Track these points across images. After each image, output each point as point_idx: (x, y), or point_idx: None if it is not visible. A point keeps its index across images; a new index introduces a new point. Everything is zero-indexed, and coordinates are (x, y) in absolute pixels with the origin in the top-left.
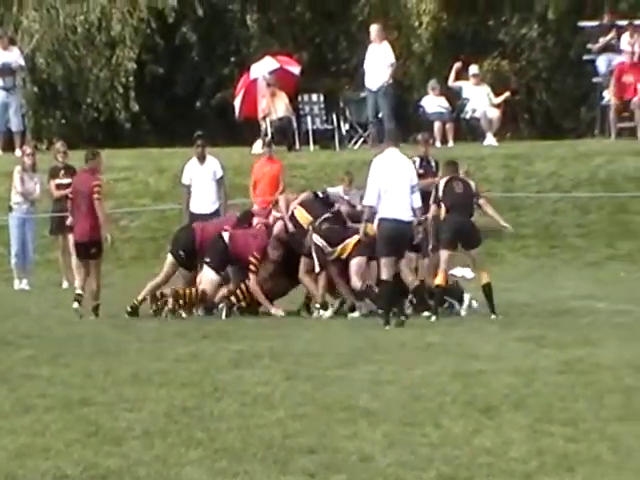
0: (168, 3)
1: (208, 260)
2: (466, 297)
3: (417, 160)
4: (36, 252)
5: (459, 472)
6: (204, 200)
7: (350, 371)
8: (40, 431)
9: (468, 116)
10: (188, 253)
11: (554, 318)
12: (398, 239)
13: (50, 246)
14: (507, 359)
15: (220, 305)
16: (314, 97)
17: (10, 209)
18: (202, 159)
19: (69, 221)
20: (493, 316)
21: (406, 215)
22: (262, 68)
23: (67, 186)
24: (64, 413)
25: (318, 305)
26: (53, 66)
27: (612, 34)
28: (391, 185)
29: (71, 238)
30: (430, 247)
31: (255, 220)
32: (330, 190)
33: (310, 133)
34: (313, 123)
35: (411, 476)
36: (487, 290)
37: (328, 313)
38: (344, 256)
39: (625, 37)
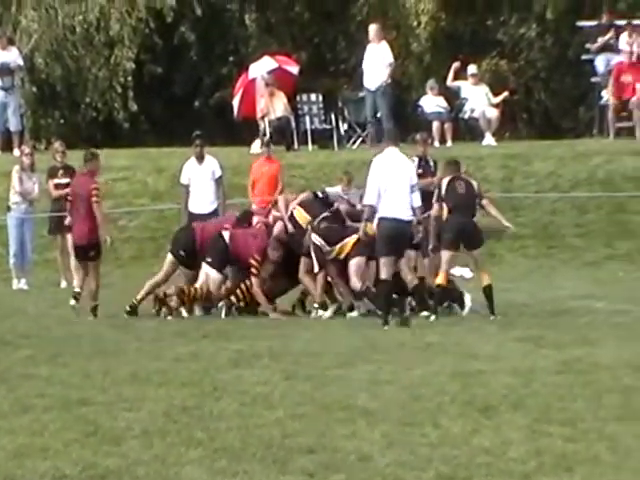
0: (167, 3)
1: (210, 260)
2: (467, 299)
3: (416, 160)
4: (34, 252)
5: (458, 472)
6: (203, 200)
7: (349, 371)
8: (39, 431)
9: (467, 116)
10: (189, 253)
11: (553, 318)
12: (398, 238)
13: (48, 246)
14: (506, 359)
15: (220, 304)
16: (313, 97)
17: (8, 209)
18: (201, 159)
19: (67, 221)
20: (492, 317)
21: (406, 214)
22: (261, 68)
23: (66, 186)
24: (63, 413)
25: (317, 305)
26: (52, 66)
27: (610, 34)
28: (391, 184)
29: (70, 238)
30: (431, 247)
31: (255, 219)
32: (329, 190)
33: (309, 133)
34: (312, 123)
35: (410, 476)
36: (488, 292)
37: (328, 313)
38: (342, 256)
39: (624, 37)
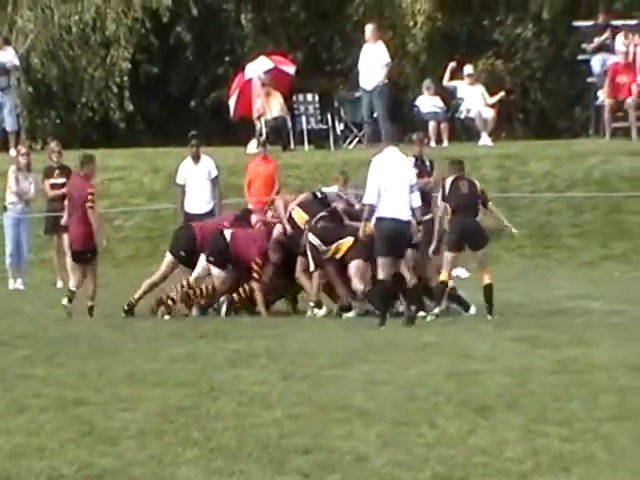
0: (162, 3)
1: (211, 259)
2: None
3: (412, 160)
4: (31, 252)
5: (454, 472)
6: (199, 200)
7: (345, 371)
8: (35, 431)
9: (463, 116)
10: (189, 252)
11: (549, 318)
12: (396, 238)
13: (45, 246)
14: (502, 359)
15: (222, 298)
16: (309, 97)
17: (4, 209)
18: (197, 159)
19: (64, 220)
20: (489, 317)
21: (405, 214)
22: (257, 68)
23: (62, 186)
24: (59, 413)
25: (312, 304)
26: (48, 66)
27: (607, 34)
28: (390, 184)
29: (66, 238)
30: (432, 249)
31: (253, 218)
32: (325, 190)
33: (305, 133)
34: (308, 123)
35: (406, 476)
36: (487, 291)
37: (322, 312)
38: (338, 256)
39: (619, 38)
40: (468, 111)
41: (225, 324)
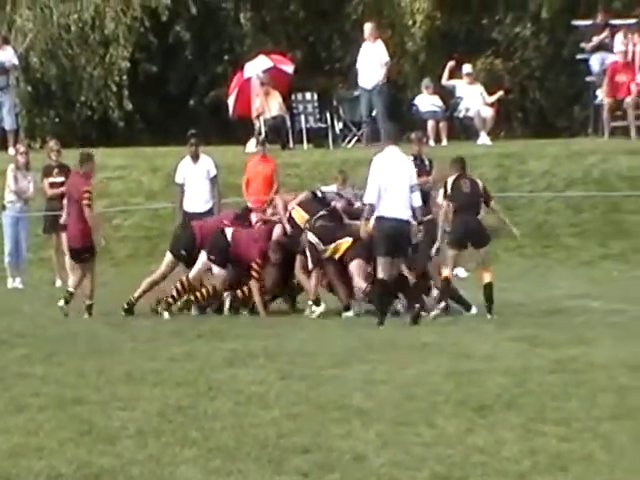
0: (161, 2)
1: (212, 258)
2: (474, 310)
3: (411, 159)
4: (29, 251)
5: (453, 471)
6: (198, 199)
7: (344, 370)
8: (34, 430)
9: (461, 115)
10: (190, 252)
11: (548, 317)
12: (396, 238)
13: (43, 245)
14: (500, 359)
15: (225, 294)
16: (308, 96)
17: (3, 208)
18: (195, 158)
19: (63, 219)
20: (489, 316)
21: (405, 214)
22: (256, 67)
23: (60, 185)
24: (58, 412)
25: (310, 302)
26: (47, 65)
27: (605, 33)
28: (391, 184)
29: (65, 237)
30: (435, 248)
31: (253, 217)
32: (324, 189)
33: (304, 132)
34: (307, 122)
35: (405, 476)
36: (488, 290)
37: (320, 309)
38: (337, 256)
39: (619, 37)
40: (467, 110)
41: (222, 323)
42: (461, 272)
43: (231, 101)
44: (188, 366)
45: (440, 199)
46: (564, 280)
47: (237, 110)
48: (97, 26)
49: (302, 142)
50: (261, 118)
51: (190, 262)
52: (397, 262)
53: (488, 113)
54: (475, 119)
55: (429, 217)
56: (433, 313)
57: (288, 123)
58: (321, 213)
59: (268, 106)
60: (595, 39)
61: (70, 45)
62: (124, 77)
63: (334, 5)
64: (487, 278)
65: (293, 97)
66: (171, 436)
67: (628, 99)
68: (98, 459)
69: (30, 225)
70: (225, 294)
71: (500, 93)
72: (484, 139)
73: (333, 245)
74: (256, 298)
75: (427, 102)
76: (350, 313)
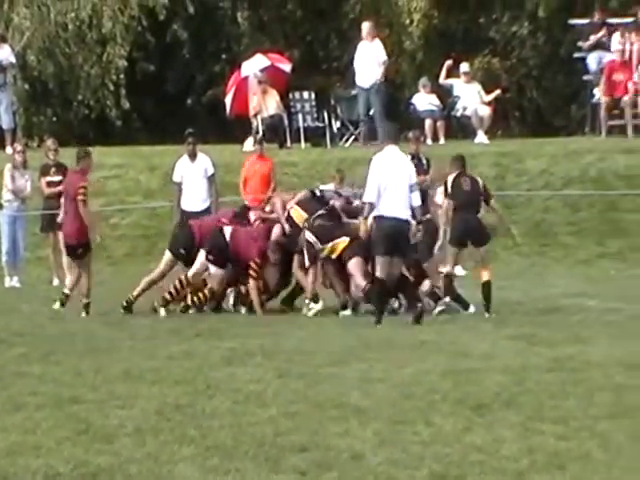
0: (159, 1)
1: (211, 257)
2: (472, 309)
3: (408, 158)
4: (27, 249)
5: (450, 470)
6: (195, 198)
7: (342, 369)
8: (31, 429)
9: (459, 114)
10: (189, 250)
11: (545, 316)
12: (395, 237)
13: (41, 243)
14: (498, 357)
15: (229, 290)
16: (305, 95)
17: (0, 206)
18: (193, 157)
19: (60, 218)
20: (487, 314)
21: (404, 214)
22: (253, 65)
23: (58, 184)
24: (55, 411)
25: (307, 300)
26: (44, 63)
27: (603, 32)
28: (391, 183)
29: (62, 236)
30: (439, 245)
31: (252, 215)
32: (322, 188)
33: (301, 131)
34: (304, 121)
35: (402, 474)
36: (486, 288)
37: (318, 306)
38: (334, 256)
39: (616, 37)
40: (464, 109)
41: (221, 322)
42: (459, 271)
43: (228, 100)
44: (186, 365)
45: (438, 198)
46: (561, 279)
47: (234, 109)
48: (94, 25)
49: (299, 141)
50: (258, 117)
51: (189, 261)
52: (397, 262)
53: (485, 112)
54: (472, 118)
55: (427, 216)
56: (438, 308)
57: (285, 122)
58: (320, 212)
59: (265, 105)
60: (592, 38)
61: (67, 44)
62: (121, 76)
63: (331, 4)
64: (486, 276)
65: (291, 96)
66: (169, 434)
67: (625, 98)
68: (96, 458)
69: (27, 224)
70: (229, 290)
71: (497, 92)
72: (481, 138)
73: (330, 244)
74: (253, 297)
75: (424, 101)
76: (348, 312)
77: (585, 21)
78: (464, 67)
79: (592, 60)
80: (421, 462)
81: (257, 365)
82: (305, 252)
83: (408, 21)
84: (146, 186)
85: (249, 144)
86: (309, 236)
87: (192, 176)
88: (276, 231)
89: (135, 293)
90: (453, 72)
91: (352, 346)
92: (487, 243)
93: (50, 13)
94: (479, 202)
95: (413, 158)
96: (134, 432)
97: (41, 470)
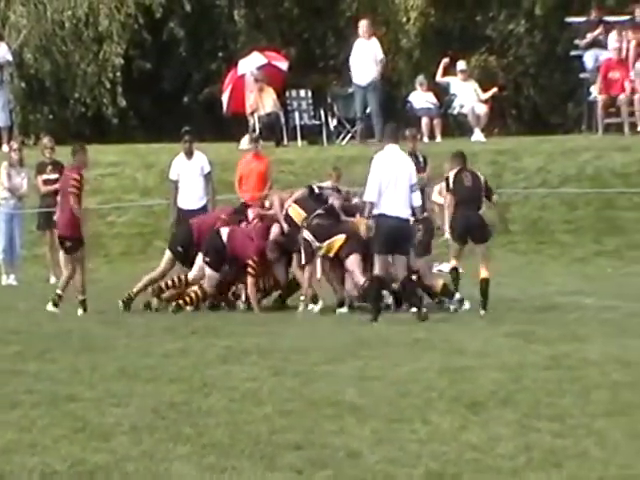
0: None
1: (207, 260)
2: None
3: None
4: (23, 247)
5: (447, 468)
6: (192, 196)
7: (337, 367)
8: (27, 427)
9: (456, 112)
10: (186, 249)
11: (541, 314)
12: (395, 236)
13: (37, 241)
14: (494, 355)
15: (233, 288)
16: (302, 93)
17: None
18: (190, 154)
19: (56, 216)
20: (482, 312)
21: (405, 213)
22: (250, 63)
23: (54, 182)
24: (51, 409)
25: (303, 297)
26: (41, 61)
27: (599, 30)
28: (391, 182)
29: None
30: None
31: (250, 213)
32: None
33: (298, 129)
34: (301, 119)
35: (399, 472)
36: (484, 285)
37: (318, 307)
38: (331, 254)
39: (613, 35)
40: (461, 107)
41: (216, 320)
42: (445, 267)
43: (225, 98)
44: (182, 362)
45: (435, 196)
46: (558, 276)
47: (231, 107)
48: (91, 23)
49: (296, 139)
50: (255, 115)
51: (185, 259)
52: (401, 262)
53: (482, 110)
54: (469, 116)
55: (424, 215)
56: (452, 306)
57: (282, 120)
58: (318, 212)
59: (262, 103)
60: (589, 36)
61: (64, 42)
62: (118, 74)
63: (328, 2)
64: (484, 273)
65: (287, 94)
66: (165, 432)
67: (622, 96)
68: (92, 456)
69: (24, 222)
70: (240, 286)
71: (494, 90)
72: (478, 136)
73: (326, 243)
74: (251, 295)
75: (421, 99)
76: (344, 309)
77: (582, 19)
78: (461, 65)
79: (589, 58)
80: (418, 460)
81: (253, 363)
82: (302, 250)
83: (405, 19)
84: (143, 184)
85: (245, 142)
86: (306, 235)
87: (189, 174)
88: (275, 230)
89: (135, 289)
90: (450, 70)
91: (347, 344)
92: (488, 240)
93: (47, 11)
94: (480, 198)
95: (410, 156)
96: (130, 430)
97: (37, 468)
